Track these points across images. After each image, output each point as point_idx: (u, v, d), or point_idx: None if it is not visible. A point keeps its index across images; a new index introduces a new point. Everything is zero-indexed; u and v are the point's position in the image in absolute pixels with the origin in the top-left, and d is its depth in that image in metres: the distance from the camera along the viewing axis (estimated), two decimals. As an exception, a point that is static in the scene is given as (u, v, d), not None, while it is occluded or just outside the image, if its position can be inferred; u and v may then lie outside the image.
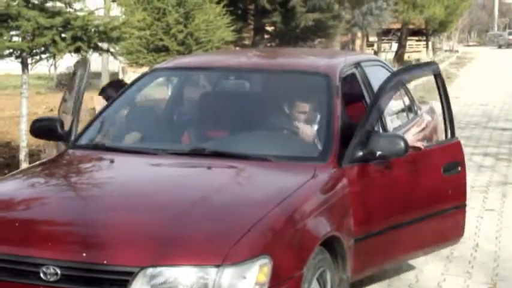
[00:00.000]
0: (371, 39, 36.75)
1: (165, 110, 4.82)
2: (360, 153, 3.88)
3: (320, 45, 19.94)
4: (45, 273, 2.99)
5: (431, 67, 4.76)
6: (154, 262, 2.92)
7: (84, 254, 2.99)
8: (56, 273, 2.98)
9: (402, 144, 3.86)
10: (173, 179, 3.75)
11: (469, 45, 71.26)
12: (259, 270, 2.97)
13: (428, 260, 5.03)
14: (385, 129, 4.40)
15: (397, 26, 36.08)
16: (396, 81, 4.27)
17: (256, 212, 3.20)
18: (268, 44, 18.35)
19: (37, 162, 4.41)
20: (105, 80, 19.91)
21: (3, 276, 3.06)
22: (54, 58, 8.80)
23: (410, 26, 36.10)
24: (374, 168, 4.01)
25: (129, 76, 22.47)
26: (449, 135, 4.65)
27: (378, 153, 3.87)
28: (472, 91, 19.09)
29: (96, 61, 18.23)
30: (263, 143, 4.07)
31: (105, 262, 2.95)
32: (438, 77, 4.66)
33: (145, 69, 15.09)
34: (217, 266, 2.90)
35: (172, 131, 4.59)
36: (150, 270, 2.91)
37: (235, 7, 15.24)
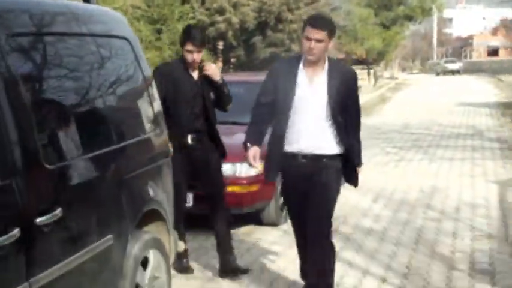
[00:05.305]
0: (320, 68, 40.55)
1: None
2: None
3: (275, 73, 23.56)
4: None
5: None
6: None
7: None
8: None
9: None
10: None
11: (412, 73, 73.97)
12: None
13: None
14: None
15: (342, 56, 40.27)
16: None
17: (255, 142, 7.11)
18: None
19: None
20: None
21: None
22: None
23: (353, 57, 40.33)
24: None
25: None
26: None
27: None
28: (400, 108, 23.52)
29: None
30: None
31: None
32: None
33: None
34: (240, 162, 6.77)
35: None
36: None
37: (209, 44, 19.12)
